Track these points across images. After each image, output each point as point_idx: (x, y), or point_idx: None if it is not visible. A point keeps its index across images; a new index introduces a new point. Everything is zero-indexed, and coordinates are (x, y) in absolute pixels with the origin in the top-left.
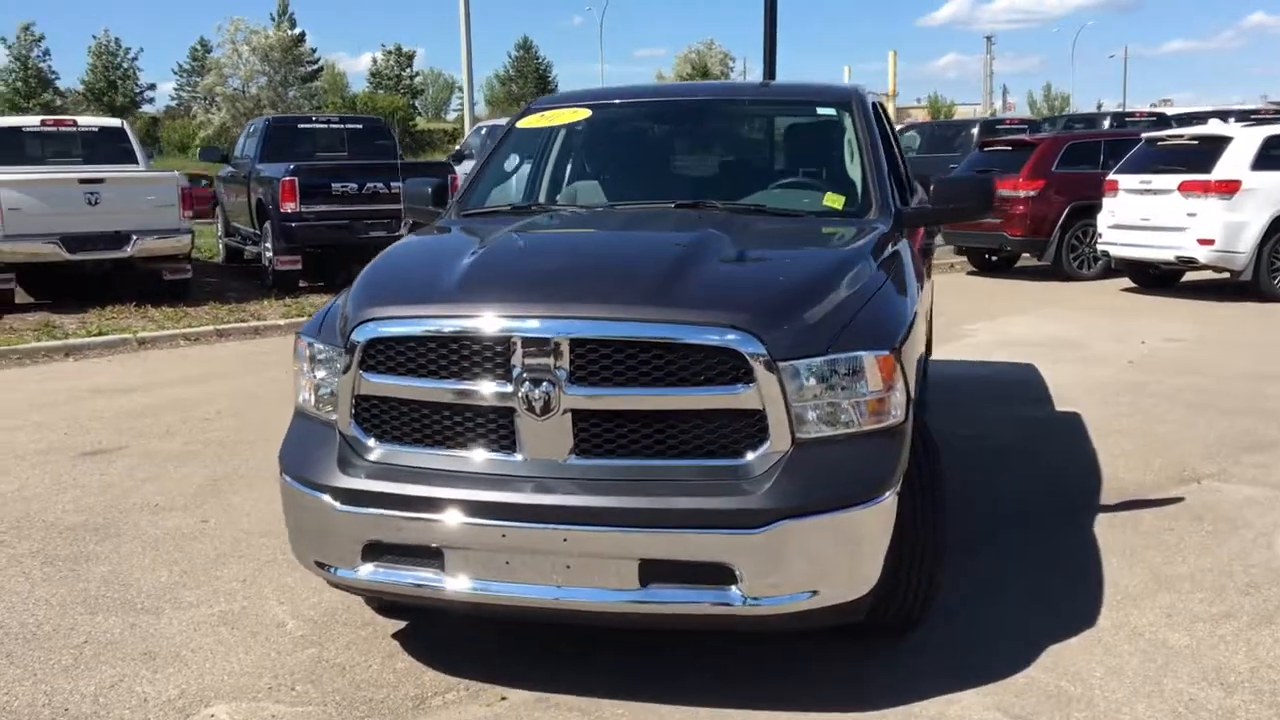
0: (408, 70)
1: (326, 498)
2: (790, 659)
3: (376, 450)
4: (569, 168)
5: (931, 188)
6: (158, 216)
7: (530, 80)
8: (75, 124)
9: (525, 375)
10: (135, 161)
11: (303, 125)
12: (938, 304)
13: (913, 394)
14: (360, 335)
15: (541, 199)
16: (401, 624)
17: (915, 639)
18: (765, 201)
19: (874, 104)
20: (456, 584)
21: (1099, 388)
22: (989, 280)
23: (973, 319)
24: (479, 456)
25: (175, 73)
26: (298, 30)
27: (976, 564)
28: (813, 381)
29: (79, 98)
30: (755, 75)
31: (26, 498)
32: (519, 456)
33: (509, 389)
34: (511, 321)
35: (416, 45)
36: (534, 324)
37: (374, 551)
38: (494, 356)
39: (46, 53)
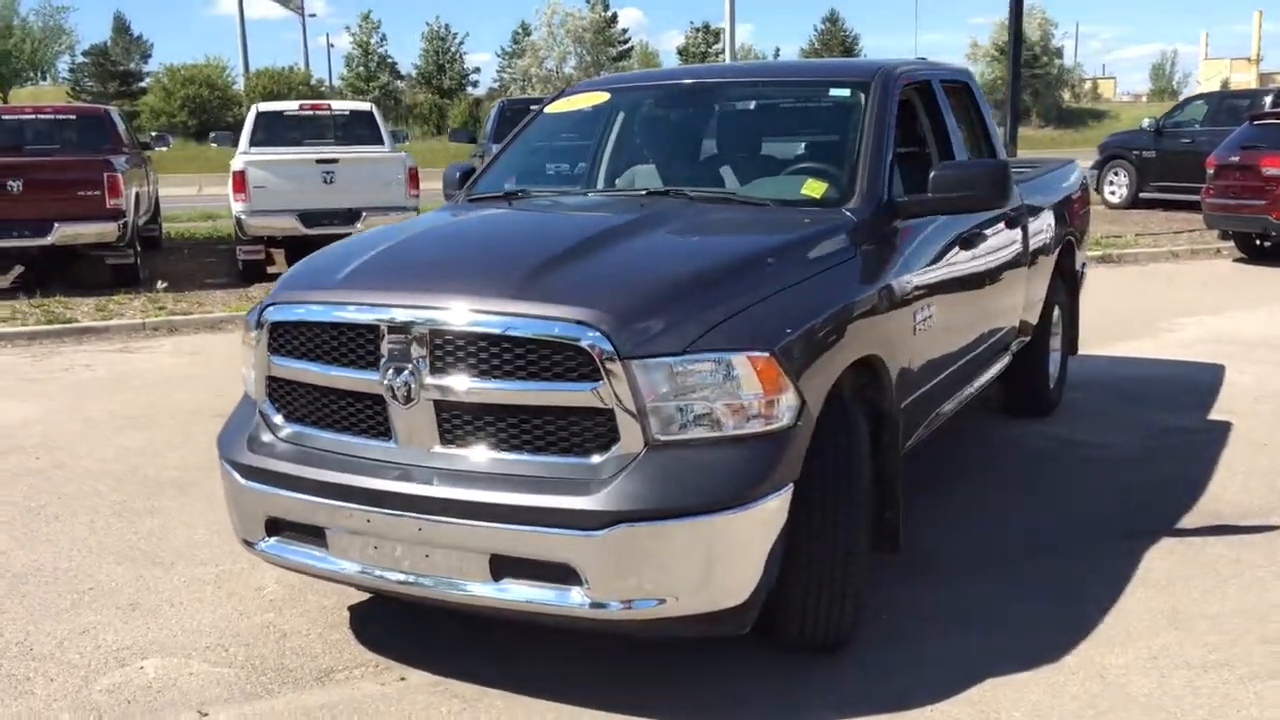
0: (715, 46)
1: (235, 474)
2: (674, 667)
3: (285, 429)
4: (591, 152)
5: (932, 174)
6: (385, 194)
7: (835, 53)
8: (329, 108)
9: (390, 363)
10: (381, 143)
11: (535, 106)
12: (1166, 292)
13: (807, 396)
14: (267, 317)
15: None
16: (365, 597)
17: (839, 660)
18: (741, 190)
19: (931, 82)
20: (337, 564)
21: None
22: (1250, 269)
23: (1192, 312)
24: (363, 441)
25: (498, 55)
26: (610, 12)
27: (977, 584)
28: (668, 381)
29: (412, 82)
30: (1088, 48)
31: (145, 452)
32: (393, 444)
33: (377, 377)
34: (379, 310)
35: (745, 21)
36: (397, 313)
37: (274, 527)
38: (366, 344)
39: (384, 39)
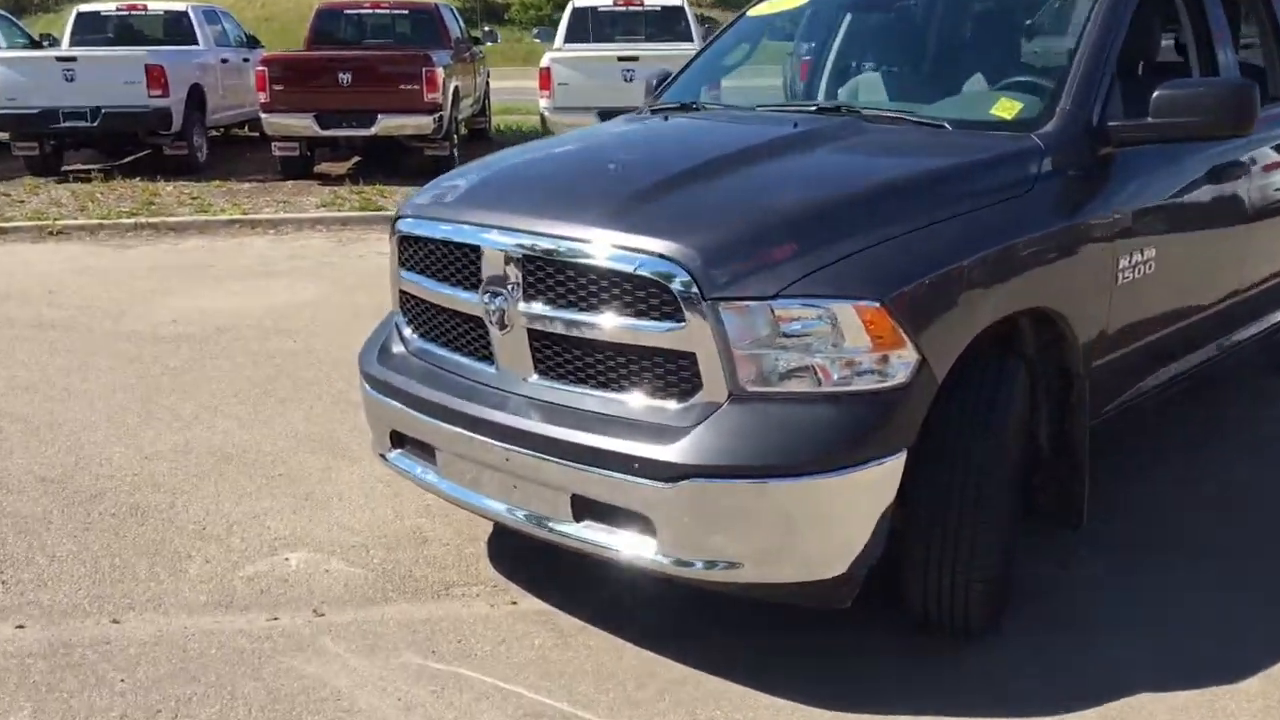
0: None
1: (366, 385)
2: (800, 631)
3: (414, 343)
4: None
5: (1154, 94)
6: None
7: None
8: (643, 4)
9: (488, 286)
10: (690, 39)
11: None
12: None
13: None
14: (398, 229)
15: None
16: None
17: (982, 644)
18: (924, 108)
19: None
20: (445, 484)
21: None
22: None
23: None
24: (471, 363)
25: None
26: None
27: (1171, 571)
28: (758, 328)
29: None
30: None
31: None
32: (494, 369)
33: (477, 299)
34: (480, 231)
35: None
36: (494, 235)
37: (398, 440)
38: (469, 265)
39: None
